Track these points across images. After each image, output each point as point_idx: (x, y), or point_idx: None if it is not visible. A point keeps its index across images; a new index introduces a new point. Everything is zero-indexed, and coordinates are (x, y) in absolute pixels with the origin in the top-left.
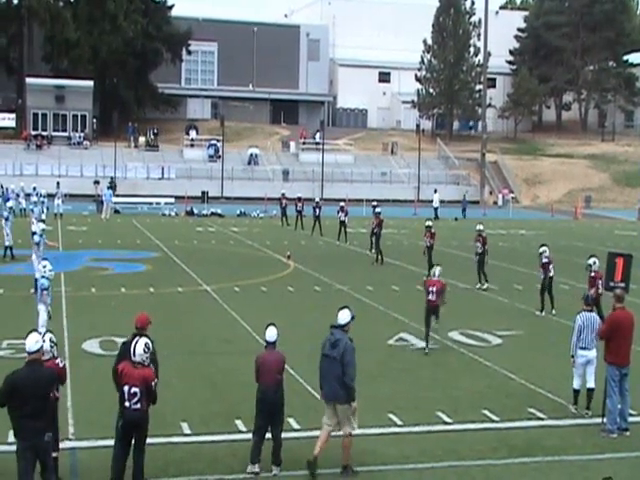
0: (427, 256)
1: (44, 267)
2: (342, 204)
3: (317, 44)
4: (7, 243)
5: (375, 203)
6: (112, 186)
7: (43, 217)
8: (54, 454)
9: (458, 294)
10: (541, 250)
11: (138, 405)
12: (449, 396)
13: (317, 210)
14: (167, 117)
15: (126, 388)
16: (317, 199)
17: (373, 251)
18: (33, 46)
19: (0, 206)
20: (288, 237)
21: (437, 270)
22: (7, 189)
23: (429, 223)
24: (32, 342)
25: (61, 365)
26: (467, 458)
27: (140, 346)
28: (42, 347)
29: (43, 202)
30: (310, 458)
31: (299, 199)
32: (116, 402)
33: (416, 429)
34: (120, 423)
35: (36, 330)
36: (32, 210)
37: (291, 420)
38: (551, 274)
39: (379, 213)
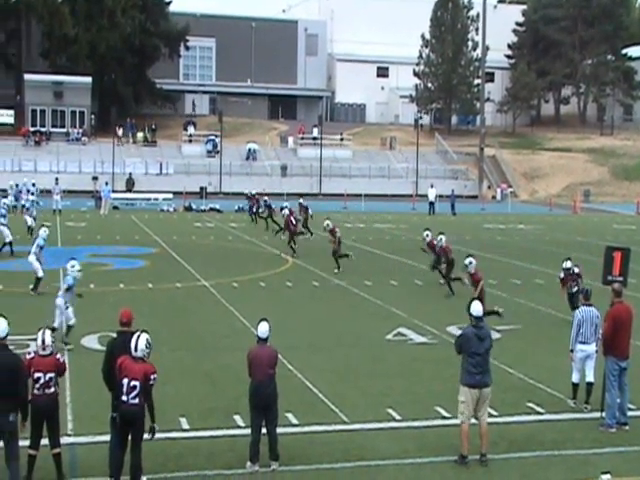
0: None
1: (72, 267)
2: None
3: (315, 39)
4: (7, 239)
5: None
6: (130, 184)
7: (34, 213)
8: (56, 450)
9: (457, 288)
10: (567, 265)
11: (136, 400)
12: (448, 390)
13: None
14: (165, 113)
15: (125, 381)
16: (266, 197)
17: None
18: (31, 42)
19: None
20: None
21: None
22: (17, 185)
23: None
24: (2, 327)
25: (61, 360)
26: (473, 452)
27: (142, 341)
28: (8, 334)
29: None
30: (462, 452)
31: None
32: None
33: (415, 424)
34: (115, 417)
35: (52, 327)
36: (25, 206)
37: (290, 415)
38: (575, 289)
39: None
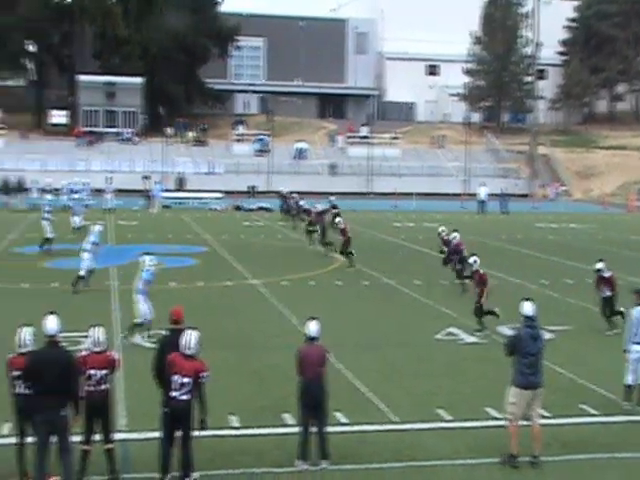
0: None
1: (150, 261)
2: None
3: (365, 37)
4: (48, 235)
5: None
6: (181, 183)
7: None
8: (109, 445)
9: (508, 288)
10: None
11: (185, 396)
12: (497, 391)
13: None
14: (215, 112)
15: (176, 378)
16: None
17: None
18: (84, 43)
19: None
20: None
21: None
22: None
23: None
24: (54, 326)
25: (116, 357)
26: (523, 454)
27: (193, 338)
28: (59, 332)
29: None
30: (512, 452)
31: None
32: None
33: (464, 424)
34: (165, 413)
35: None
36: (70, 206)
37: (339, 414)
38: (608, 294)
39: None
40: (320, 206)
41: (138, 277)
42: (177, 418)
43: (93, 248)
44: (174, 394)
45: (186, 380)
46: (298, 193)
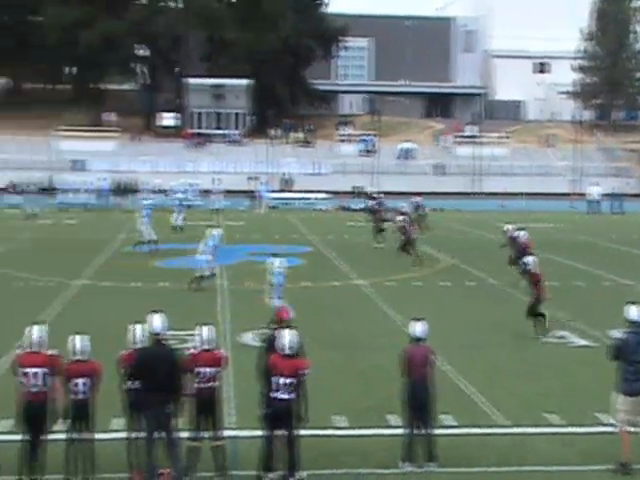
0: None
1: (280, 263)
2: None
3: (471, 36)
4: (147, 238)
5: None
6: (287, 184)
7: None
8: (218, 442)
9: (620, 290)
10: None
11: (287, 395)
12: (607, 396)
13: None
14: (320, 113)
15: (277, 379)
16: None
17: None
18: (192, 47)
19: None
20: (440, 229)
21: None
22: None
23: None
24: (159, 324)
25: (224, 355)
26: (635, 461)
27: (291, 338)
28: (165, 330)
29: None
30: (624, 460)
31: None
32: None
33: (574, 430)
34: (266, 414)
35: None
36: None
37: (447, 417)
38: None
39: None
40: (406, 207)
41: (267, 281)
42: (279, 418)
43: (213, 251)
44: (275, 395)
45: (288, 381)
46: (403, 194)
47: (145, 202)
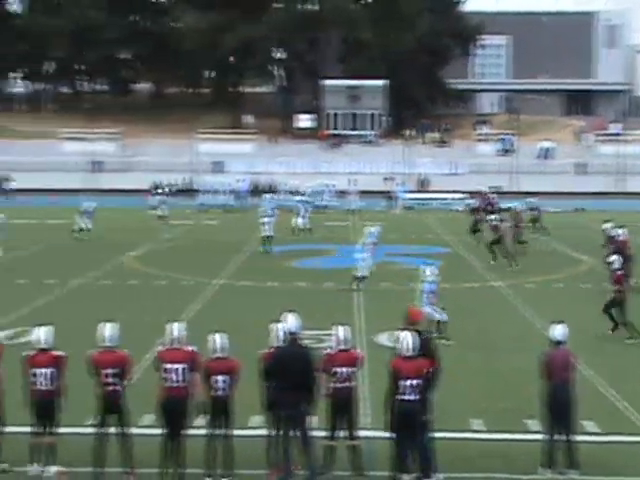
0: None
1: (431, 271)
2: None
3: (616, 30)
4: (264, 233)
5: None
6: (423, 184)
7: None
8: (354, 442)
9: None
10: None
11: (414, 396)
12: None
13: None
14: (457, 113)
15: (401, 382)
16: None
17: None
18: (328, 48)
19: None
20: (586, 227)
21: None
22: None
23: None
24: (295, 324)
25: (360, 355)
26: None
27: (413, 340)
28: (300, 330)
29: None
30: None
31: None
32: None
33: None
34: (393, 416)
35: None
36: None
37: (590, 423)
38: None
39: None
40: (519, 207)
41: (420, 289)
42: (406, 419)
43: (372, 249)
44: (403, 397)
45: (415, 382)
46: (543, 194)
47: (269, 203)
